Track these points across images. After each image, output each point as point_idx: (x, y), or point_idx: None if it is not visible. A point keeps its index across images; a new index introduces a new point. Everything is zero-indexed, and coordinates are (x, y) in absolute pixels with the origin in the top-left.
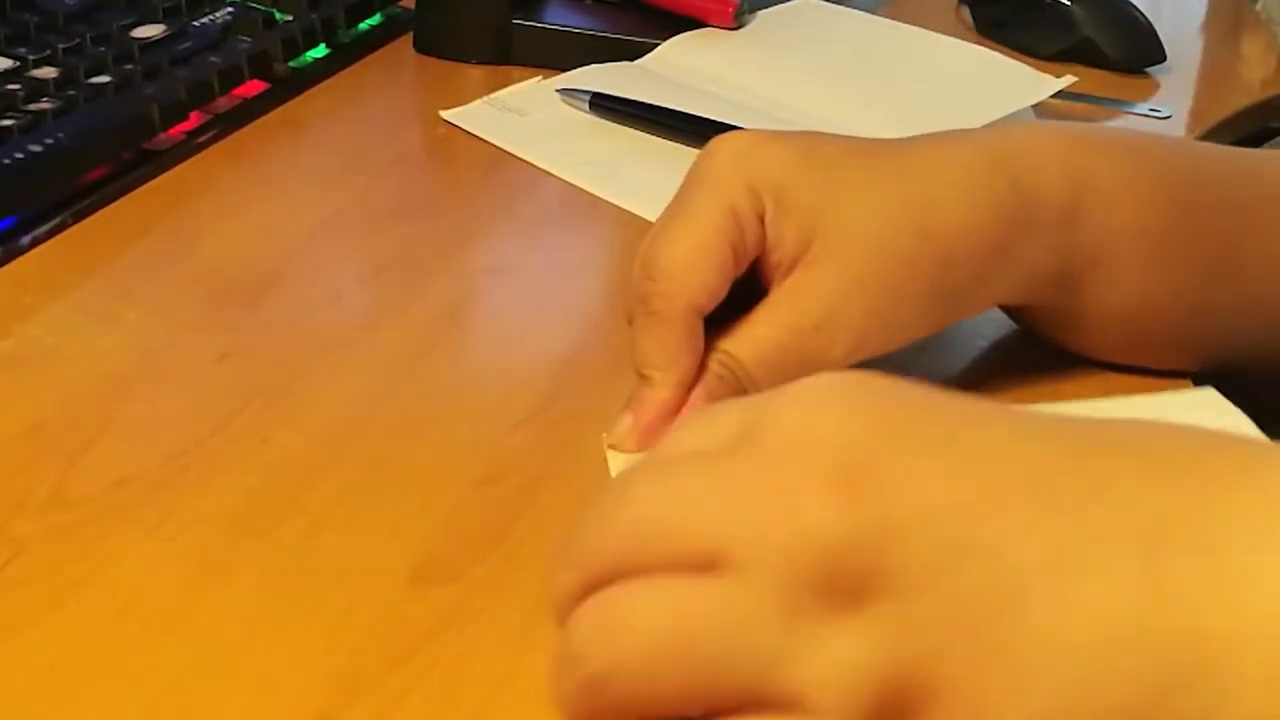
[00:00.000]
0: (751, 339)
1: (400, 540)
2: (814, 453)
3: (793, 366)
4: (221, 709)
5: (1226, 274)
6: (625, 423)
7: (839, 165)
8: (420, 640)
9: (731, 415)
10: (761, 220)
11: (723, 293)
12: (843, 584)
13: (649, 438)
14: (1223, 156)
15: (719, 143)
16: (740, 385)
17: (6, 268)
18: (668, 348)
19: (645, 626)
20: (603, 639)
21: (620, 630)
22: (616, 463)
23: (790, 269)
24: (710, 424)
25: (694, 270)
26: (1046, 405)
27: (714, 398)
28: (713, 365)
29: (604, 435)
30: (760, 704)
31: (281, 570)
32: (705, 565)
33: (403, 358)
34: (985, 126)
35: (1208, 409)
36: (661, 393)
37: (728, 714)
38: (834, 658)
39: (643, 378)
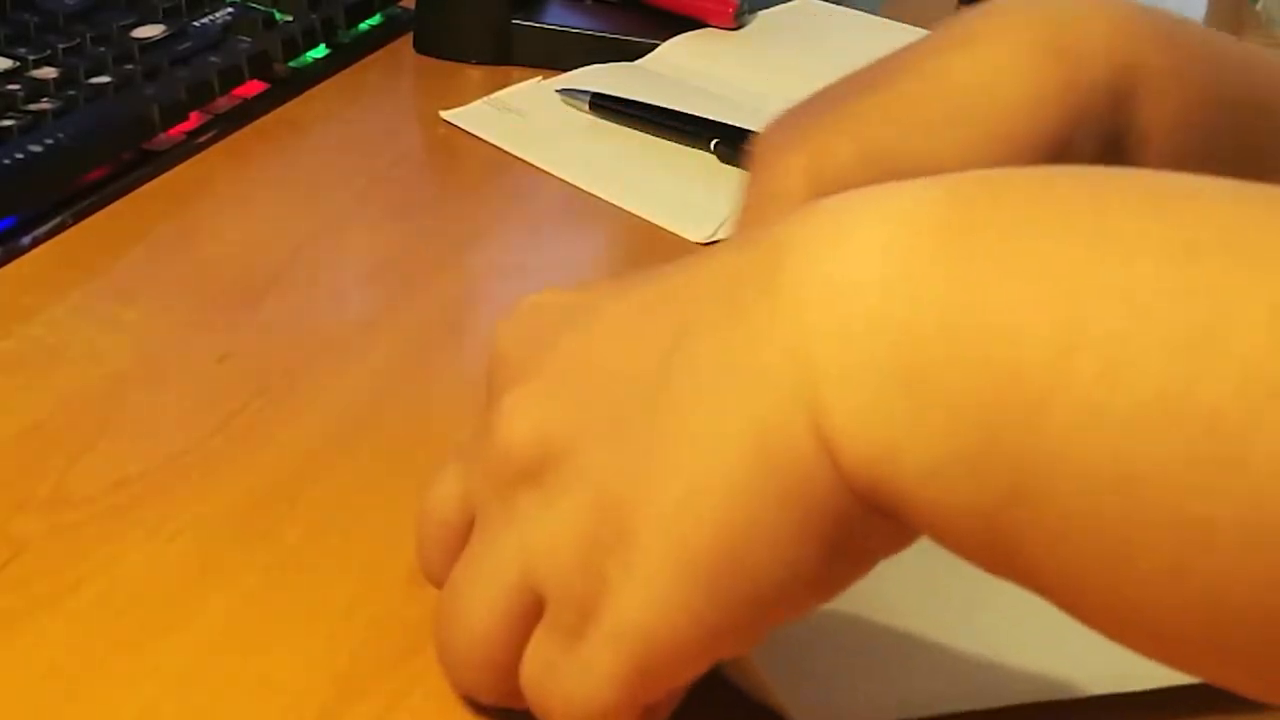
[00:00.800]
0: None
1: (400, 540)
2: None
3: None
4: (221, 709)
5: (1261, 173)
6: None
7: (895, 150)
8: (420, 640)
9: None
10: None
11: None
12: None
13: None
14: (1262, 56)
15: (773, 155)
16: None
17: (6, 268)
18: None
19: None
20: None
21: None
22: None
23: None
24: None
25: None
26: None
27: None
28: None
29: None
30: None
31: (281, 570)
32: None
33: (403, 358)
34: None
35: None
36: None
37: None
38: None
39: None
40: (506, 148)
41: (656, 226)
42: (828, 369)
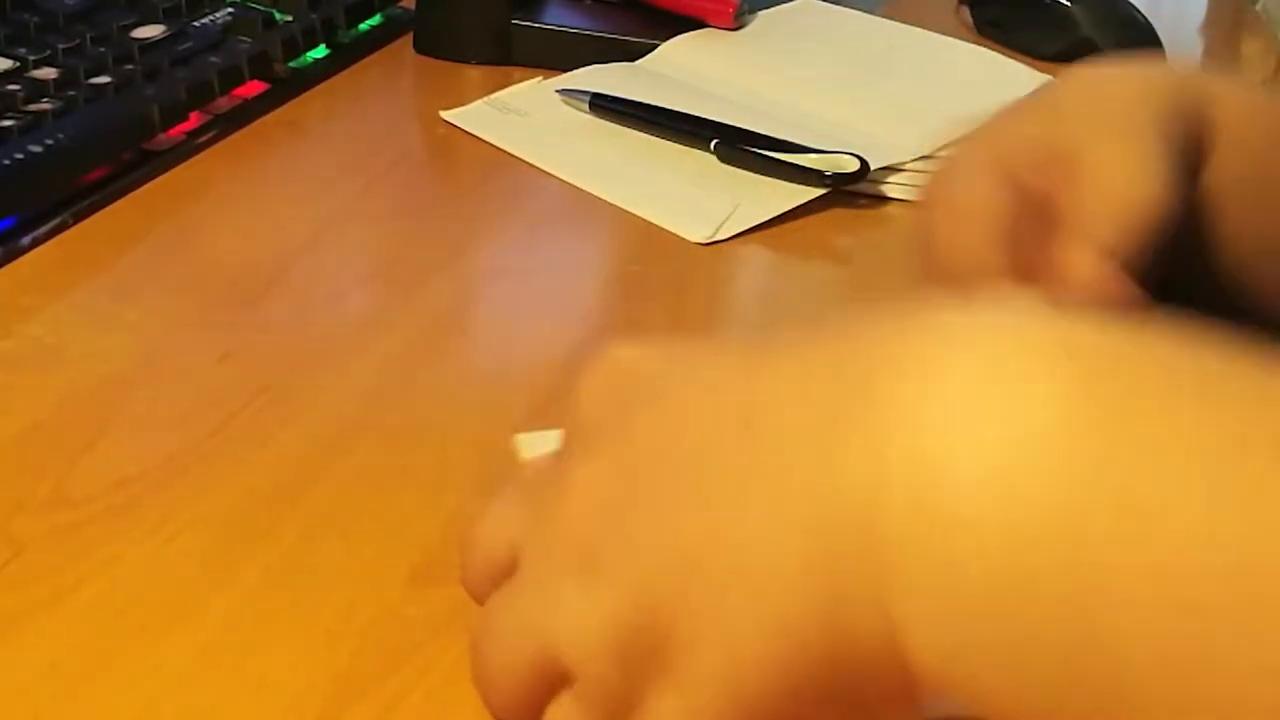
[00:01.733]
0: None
1: (400, 540)
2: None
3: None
4: (221, 709)
5: None
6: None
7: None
8: (420, 640)
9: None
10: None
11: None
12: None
13: None
14: None
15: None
16: None
17: (6, 268)
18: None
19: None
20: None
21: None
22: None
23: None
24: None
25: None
26: None
27: None
28: None
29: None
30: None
31: (281, 570)
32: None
33: (403, 358)
34: (1127, 75)
35: None
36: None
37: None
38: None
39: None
40: (506, 148)
41: (656, 226)
42: (906, 558)
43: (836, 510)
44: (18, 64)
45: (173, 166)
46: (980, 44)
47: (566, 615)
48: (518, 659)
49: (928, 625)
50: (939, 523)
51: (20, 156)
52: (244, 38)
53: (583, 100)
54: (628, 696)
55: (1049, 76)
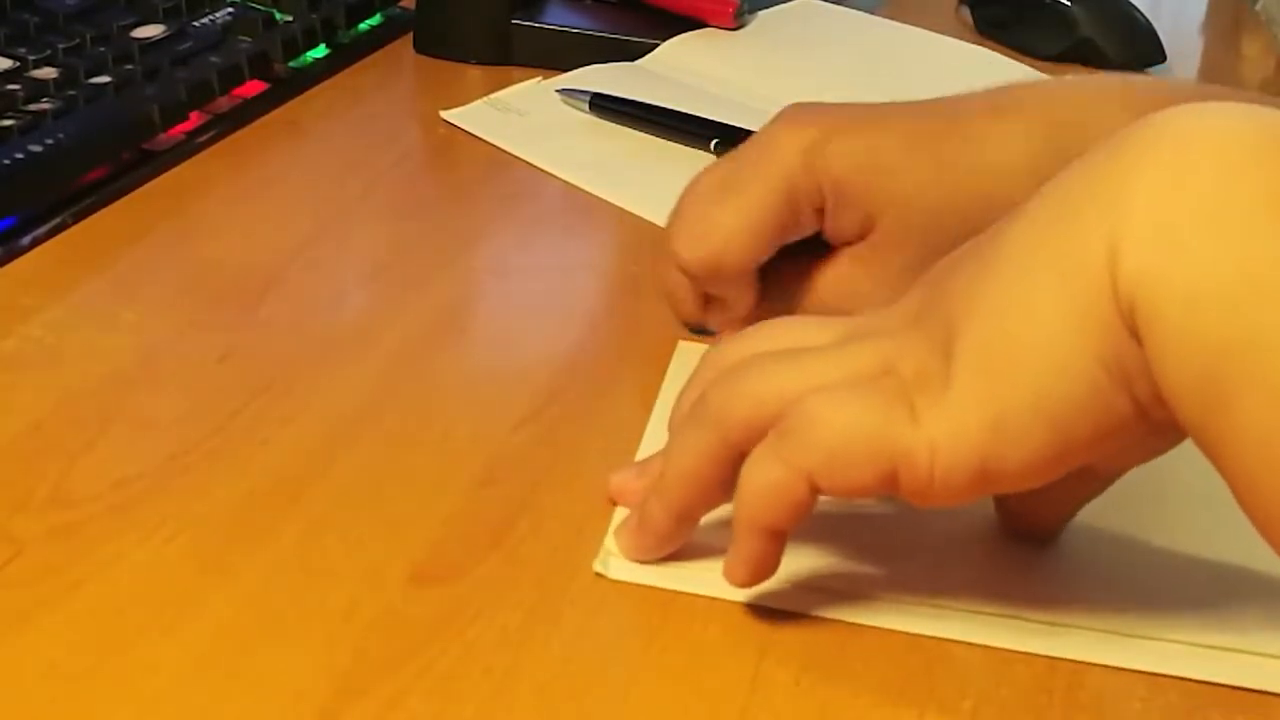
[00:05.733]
0: (812, 301)
1: (400, 540)
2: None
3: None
4: (221, 709)
5: None
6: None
7: (899, 166)
8: (420, 640)
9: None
10: (819, 211)
11: (765, 258)
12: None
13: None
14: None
15: (792, 124)
16: None
17: (6, 268)
18: (737, 292)
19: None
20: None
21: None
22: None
23: (848, 241)
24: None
25: (744, 247)
26: None
27: None
28: None
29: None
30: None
31: (281, 570)
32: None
33: (402, 358)
34: (1034, 85)
35: None
36: (738, 319)
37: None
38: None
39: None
40: (506, 148)
41: (656, 226)
42: (1135, 213)
43: (1082, 223)
44: (18, 64)
45: (173, 166)
46: (980, 44)
47: (892, 340)
48: (858, 372)
49: (1141, 241)
50: (1169, 200)
51: (20, 156)
52: (244, 38)
53: (583, 100)
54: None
55: (1049, 76)
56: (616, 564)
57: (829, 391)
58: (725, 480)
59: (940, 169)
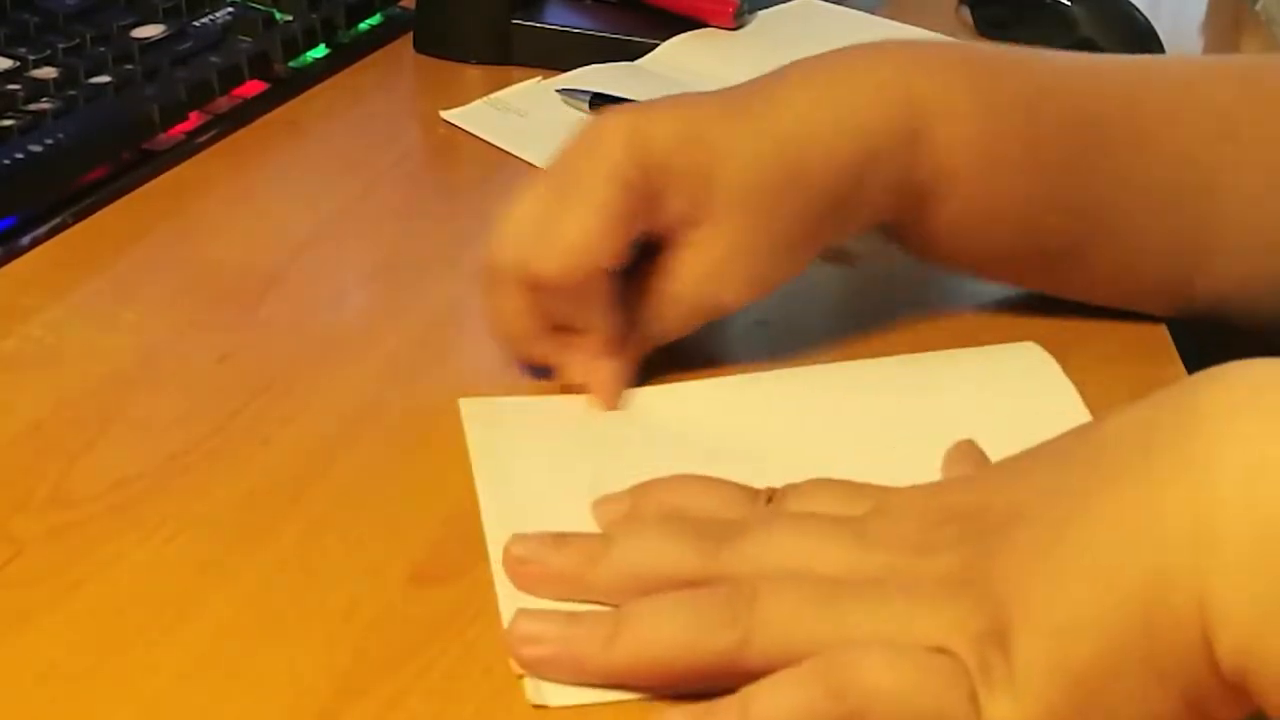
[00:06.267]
0: (670, 301)
1: (400, 540)
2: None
3: (699, 313)
4: (221, 709)
5: (1071, 184)
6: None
7: (717, 136)
8: (420, 640)
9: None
10: (653, 197)
11: (622, 259)
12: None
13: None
14: (1068, 70)
15: (607, 121)
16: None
17: (6, 268)
18: (598, 309)
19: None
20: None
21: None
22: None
23: (684, 229)
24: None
25: (601, 246)
26: (866, 360)
27: None
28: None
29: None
30: None
31: (281, 570)
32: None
33: (403, 358)
34: (833, 53)
35: (1025, 362)
36: (596, 345)
37: None
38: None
39: (565, 337)
40: (506, 148)
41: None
42: (1227, 551)
43: (1166, 526)
44: (18, 64)
45: (173, 166)
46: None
47: (937, 608)
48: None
49: (1241, 612)
50: (1262, 505)
51: (20, 156)
52: (244, 38)
53: (583, 100)
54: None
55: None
56: (552, 691)
57: (883, 651)
58: (702, 680)
59: (759, 135)
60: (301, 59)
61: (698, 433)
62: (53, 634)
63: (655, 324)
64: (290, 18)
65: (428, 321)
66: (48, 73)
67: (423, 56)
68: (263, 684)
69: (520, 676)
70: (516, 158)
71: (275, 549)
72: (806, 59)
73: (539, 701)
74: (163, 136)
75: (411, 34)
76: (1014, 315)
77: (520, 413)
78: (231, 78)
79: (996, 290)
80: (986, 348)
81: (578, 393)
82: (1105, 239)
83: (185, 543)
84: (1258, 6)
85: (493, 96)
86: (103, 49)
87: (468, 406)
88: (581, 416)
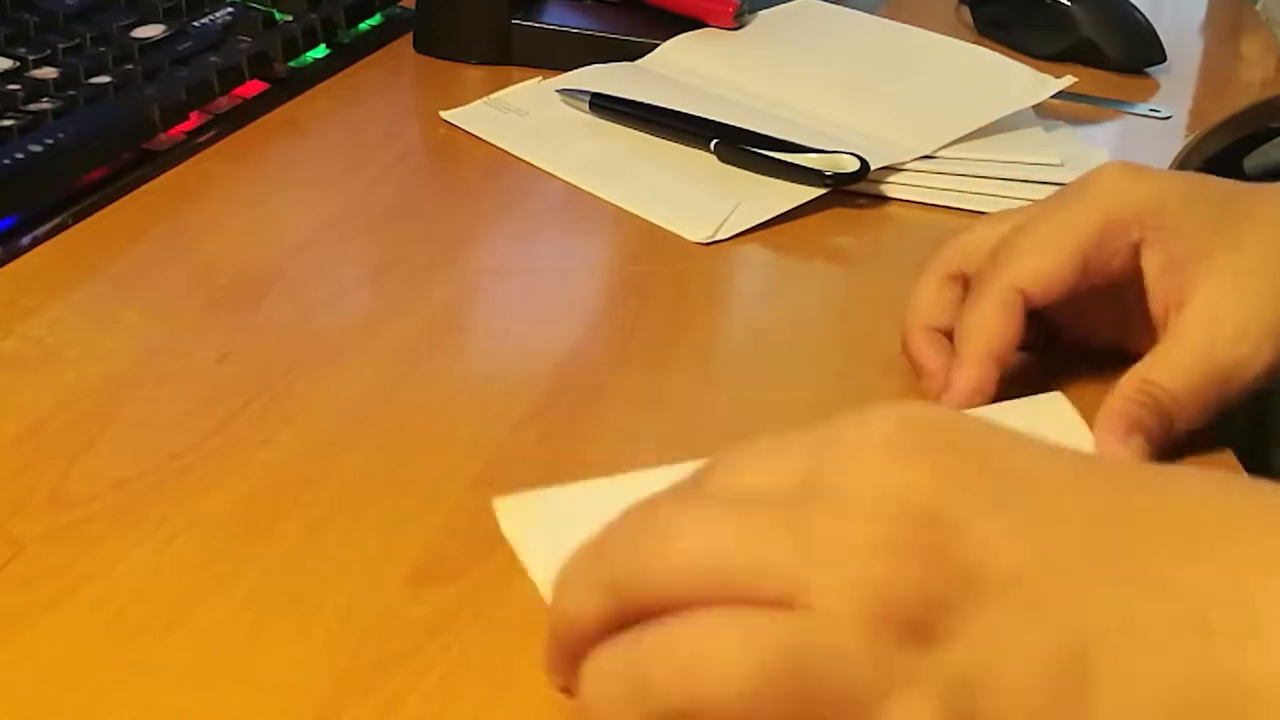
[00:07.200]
0: (1169, 363)
1: (400, 540)
2: (884, 509)
3: (1215, 384)
4: (221, 709)
5: None
6: (934, 384)
7: (1219, 219)
8: (420, 640)
9: (789, 460)
10: (1134, 249)
11: (1057, 289)
12: (918, 630)
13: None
14: None
15: (1112, 165)
16: (1164, 410)
17: (6, 268)
18: (983, 320)
19: (742, 661)
20: (687, 674)
21: (711, 664)
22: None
23: (1180, 305)
24: (765, 467)
25: (1032, 253)
26: None
27: (1140, 427)
28: (1133, 394)
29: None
30: None
31: (281, 570)
32: (777, 607)
33: (402, 358)
34: None
35: (1049, 416)
36: (968, 370)
37: None
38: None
39: (957, 350)
40: (506, 148)
41: (656, 226)
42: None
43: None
44: (18, 64)
45: (173, 166)
46: (980, 44)
47: (898, 692)
48: (825, 711)
49: None
50: None
51: (20, 156)
52: (244, 37)
53: (583, 100)
54: None
55: (1049, 76)
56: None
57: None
58: None
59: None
60: (301, 59)
61: None
62: (53, 634)
63: (1163, 398)
64: (290, 18)
65: (428, 321)
66: (48, 73)
67: (423, 56)
68: (263, 684)
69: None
70: (516, 158)
71: (275, 549)
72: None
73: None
74: (163, 136)
75: (411, 34)
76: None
77: (556, 504)
78: (231, 78)
79: None
80: (1009, 403)
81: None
82: None
83: (185, 543)
84: (1258, 6)
85: (493, 96)
86: (103, 49)
87: (503, 506)
88: (618, 496)
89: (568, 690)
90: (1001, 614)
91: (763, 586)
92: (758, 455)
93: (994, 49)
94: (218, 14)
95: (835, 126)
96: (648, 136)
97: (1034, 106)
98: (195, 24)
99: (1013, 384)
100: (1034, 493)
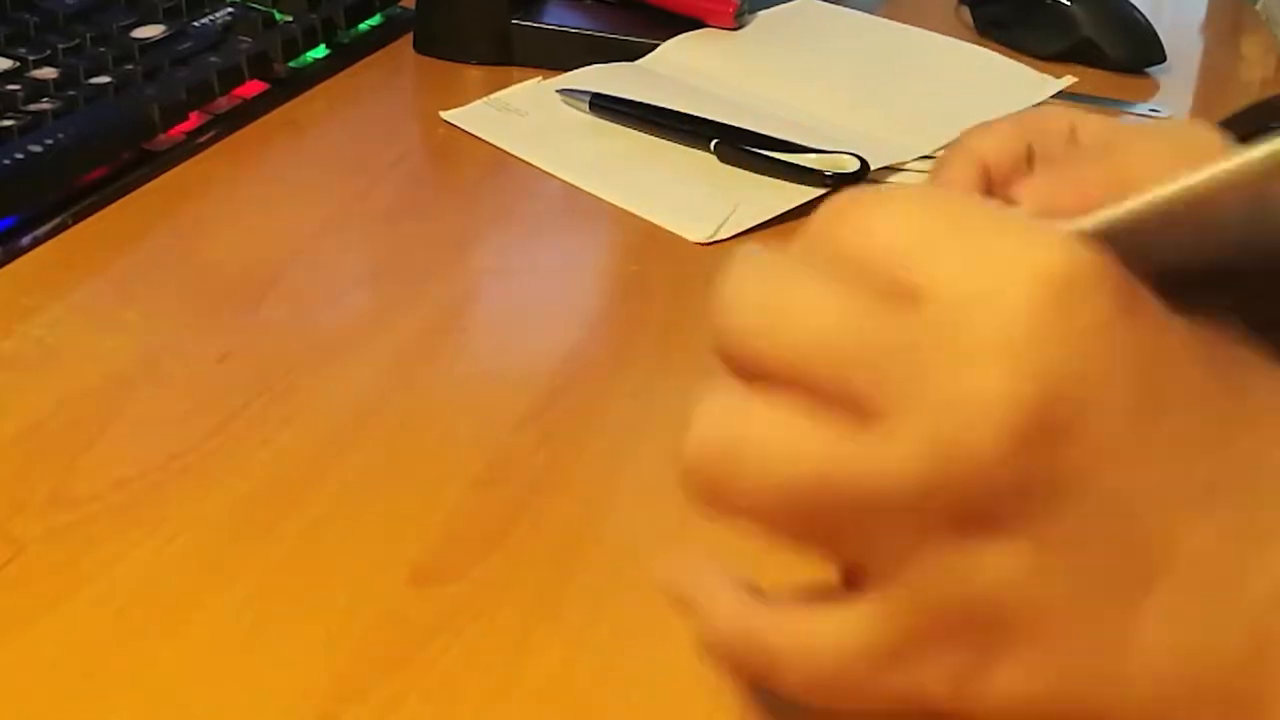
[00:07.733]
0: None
1: (400, 540)
2: (993, 338)
3: None
4: (221, 709)
5: None
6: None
7: None
8: (420, 640)
9: (883, 258)
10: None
11: (1004, 160)
12: (984, 507)
13: None
14: None
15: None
16: None
17: (6, 268)
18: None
19: (784, 468)
20: (733, 457)
21: (755, 458)
22: None
23: None
24: (861, 267)
25: (985, 131)
26: None
27: None
28: None
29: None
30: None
31: (281, 570)
32: (853, 407)
33: (403, 358)
34: None
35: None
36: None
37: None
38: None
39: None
40: (506, 148)
41: (656, 226)
42: None
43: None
44: (18, 64)
45: (173, 166)
46: (980, 44)
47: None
48: (847, 533)
49: None
50: None
51: (20, 156)
52: (244, 38)
53: (583, 100)
54: None
55: (1049, 77)
56: None
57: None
58: None
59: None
60: (301, 59)
61: None
62: (53, 634)
63: None
64: (290, 18)
65: (428, 321)
66: (48, 73)
67: (423, 57)
68: (263, 684)
69: None
70: (516, 158)
71: (275, 549)
72: None
73: None
74: (163, 136)
75: (411, 34)
76: None
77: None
78: (231, 78)
79: None
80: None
81: None
82: None
83: (185, 543)
84: (1258, 6)
85: (493, 96)
86: (103, 49)
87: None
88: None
89: None
90: (1089, 508)
91: (847, 384)
92: (897, 230)
93: (994, 49)
94: (218, 14)
95: (835, 126)
96: (648, 136)
97: (1034, 107)
98: (195, 24)
99: None
100: (1163, 370)
